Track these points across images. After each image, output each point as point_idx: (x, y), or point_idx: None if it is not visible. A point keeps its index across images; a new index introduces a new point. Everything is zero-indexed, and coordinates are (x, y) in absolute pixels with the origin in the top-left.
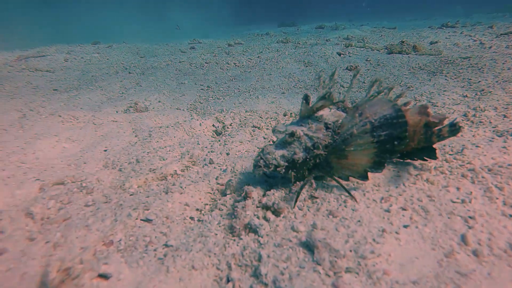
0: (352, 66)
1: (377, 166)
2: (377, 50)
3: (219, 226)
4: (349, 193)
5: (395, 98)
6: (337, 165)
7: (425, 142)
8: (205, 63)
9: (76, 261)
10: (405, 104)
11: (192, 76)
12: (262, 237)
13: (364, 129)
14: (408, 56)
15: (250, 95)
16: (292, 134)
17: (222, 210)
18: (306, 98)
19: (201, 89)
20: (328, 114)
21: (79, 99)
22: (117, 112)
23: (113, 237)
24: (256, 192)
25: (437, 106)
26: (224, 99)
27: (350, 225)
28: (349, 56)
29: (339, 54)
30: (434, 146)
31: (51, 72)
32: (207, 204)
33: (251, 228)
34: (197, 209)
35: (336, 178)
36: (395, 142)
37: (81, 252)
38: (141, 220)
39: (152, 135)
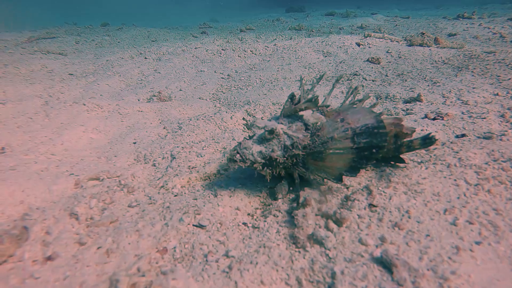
0: (374, 58)
1: (353, 170)
2: (396, 41)
3: (279, 235)
4: (297, 201)
5: (371, 107)
6: (313, 166)
7: (394, 151)
8: (222, 49)
9: (134, 270)
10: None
11: (210, 64)
12: (329, 250)
13: (346, 134)
14: (430, 49)
15: (274, 86)
16: (271, 131)
17: (277, 216)
18: (292, 97)
19: (222, 77)
20: (308, 115)
21: (97, 85)
22: (139, 100)
23: (167, 244)
24: (312, 199)
25: (469, 104)
26: (247, 89)
27: (421, 240)
28: (369, 47)
29: (358, 45)
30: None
31: (64, 55)
32: (257, 208)
33: (316, 240)
34: (249, 214)
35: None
36: (374, 150)
37: (136, 260)
38: (194, 225)
39: (182, 128)
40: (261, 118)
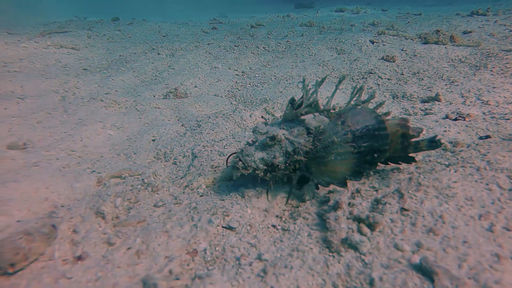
0: (388, 56)
1: (356, 175)
2: (410, 39)
3: (311, 239)
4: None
5: (376, 107)
6: (316, 171)
7: (401, 151)
8: (235, 46)
9: (165, 272)
10: (386, 114)
11: (224, 60)
12: (365, 255)
13: (345, 138)
14: (445, 47)
15: (289, 83)
16: (273, 138)
17: (307, 219)
18: (292, 102)
19: (236, 74)
20: (310, 118)
21: (112, 80)
22: (154, 96)
23: (197, 246)
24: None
25: (489, 104)
26: (263, 87)
27: (458, 246)
28: (383, 45)
29: (372, 42)
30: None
31: (76, 50)
32: (285, 210)
33: (350, 244)
34: (277, 216)
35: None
36: (375, 155)
37: (167, 262)
38: (223, 227)
39: (202, 126)
40: (263, 122)
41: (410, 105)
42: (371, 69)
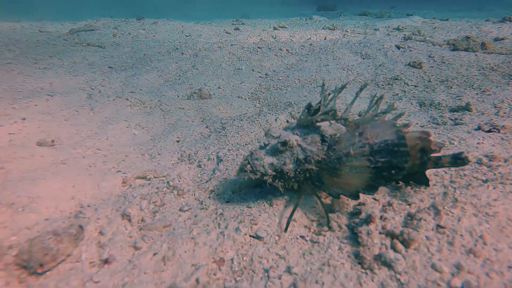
0: (415, 62)
1: (370, 189)
2: (438, 45)
3: (342, 253)
4: (327, 217)
5: (395, 118)
6: (328, 181)
7: (419, 167)
8: (258, 47)
9: (192, 281)
10: (405, 126)
11: (247, 62)
12: (400, 274)
13: (362, 151)
14: (476, 54)
15: (313, 87)
16: (284, 143)
17: (337, 231)
18: (308, 107)
19: (260, 76)
20: (326, 126)
21: (137, 79)
22: (178, 96)
23: (224, 255)
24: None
25: None
26: (287, 90)
27: (503, 272)
28: (410, 51)
29: (398, 48)
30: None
31: (102, 48)
32: (313, 220)
33: (384, 262)
34: (305, 226)
35: (319, 194)
36: (393, 171)
37: (194, 270)
38: (251, 236)
39: (226, 128)
40: (278, 126)
41: (438, 114)
42: (397, 75)
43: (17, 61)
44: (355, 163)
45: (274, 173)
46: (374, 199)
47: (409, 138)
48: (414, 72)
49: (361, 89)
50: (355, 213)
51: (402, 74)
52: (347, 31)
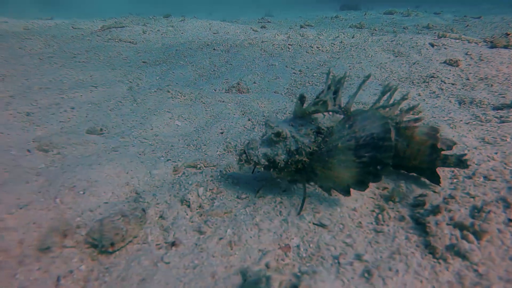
0: (452, 60)
1: (360, 185)
2: (475, 42)
3: (410, 242)
4: (302, 204)
5: (407, 110)
6: (321, 174)
7: (428, 163)
8: (289, 44)
9: (262, 266)
10: (416, 120)
11: (280, 58)
12: (476, 265)
13: (348, 145)
14: None
15: (349, 84)
16: (278, 134)
17: (401, 221)
18: (301, 99)
19: (293, 73)
20: (324, 117)
21: (172, 73)
22: (215, 90)
23: (289, 241)
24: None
25: None
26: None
27: None
28: (445, 48)
29: (432, 45)
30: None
31: (134, 44)
32: (373, 211)
33: (457, 252)
34: (365, 215)
35: (307, 185)
36: (378, 167)
37: (261, 255)
38: (314, 224)
39: None
40: (276, 116)
41: (481, 111)
42: (433, 73)
43: (57, 56)
44: (342, 156)
45: (266, 163)
46: (434, 191)
47: (417, 133)
48: (450, 70)
49: (363, 81)
50: (418, 204)
51: (438, 72)
52: (375, 30)
